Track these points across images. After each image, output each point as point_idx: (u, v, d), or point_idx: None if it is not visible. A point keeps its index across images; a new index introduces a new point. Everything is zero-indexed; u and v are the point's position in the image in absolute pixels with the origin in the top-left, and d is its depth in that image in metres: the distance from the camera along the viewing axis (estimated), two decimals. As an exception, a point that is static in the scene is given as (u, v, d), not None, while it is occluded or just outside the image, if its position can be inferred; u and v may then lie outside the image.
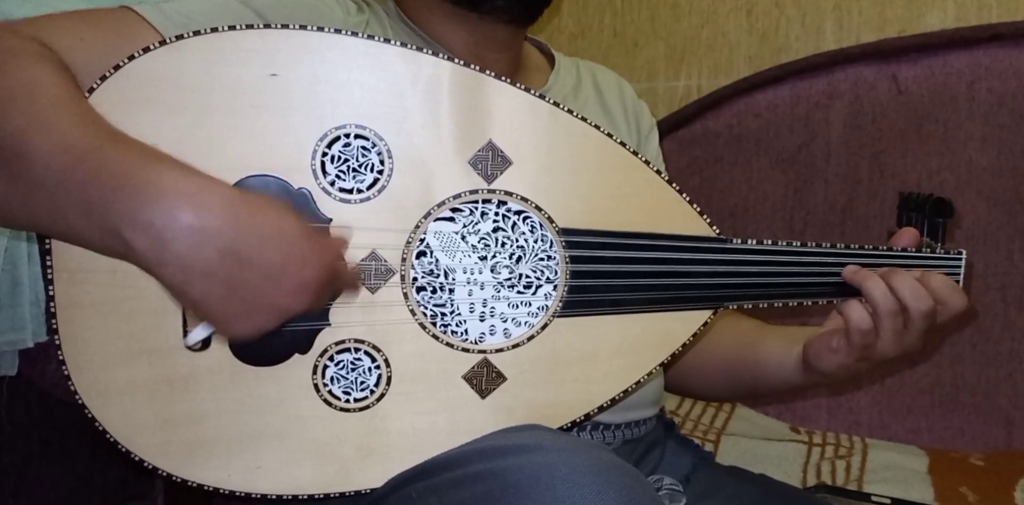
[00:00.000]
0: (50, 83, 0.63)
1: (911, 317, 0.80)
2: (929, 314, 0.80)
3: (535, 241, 0.77)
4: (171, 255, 0.59)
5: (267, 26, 0.70)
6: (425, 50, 0.73)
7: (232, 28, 0.69)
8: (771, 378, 0.93)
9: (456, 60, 0.74)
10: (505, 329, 0.77)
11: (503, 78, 0.75)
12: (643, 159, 0.79)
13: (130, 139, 0.62)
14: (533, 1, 0.88)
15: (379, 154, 0.72)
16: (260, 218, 0.61)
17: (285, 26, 0.70)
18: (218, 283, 0.60)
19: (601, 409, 0.79)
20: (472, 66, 0.74)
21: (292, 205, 0.68)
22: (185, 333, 0.69)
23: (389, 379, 0.74)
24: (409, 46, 0.73)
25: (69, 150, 0.59)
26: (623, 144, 0.78)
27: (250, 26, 0.69)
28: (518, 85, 0.75)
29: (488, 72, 0.75)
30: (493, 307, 0.77)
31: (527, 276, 0.77)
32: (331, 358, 0.73)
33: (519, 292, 0.77)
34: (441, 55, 0.73)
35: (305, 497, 0.73)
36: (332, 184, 0.71)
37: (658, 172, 0.79)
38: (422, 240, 0.74)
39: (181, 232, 0.58)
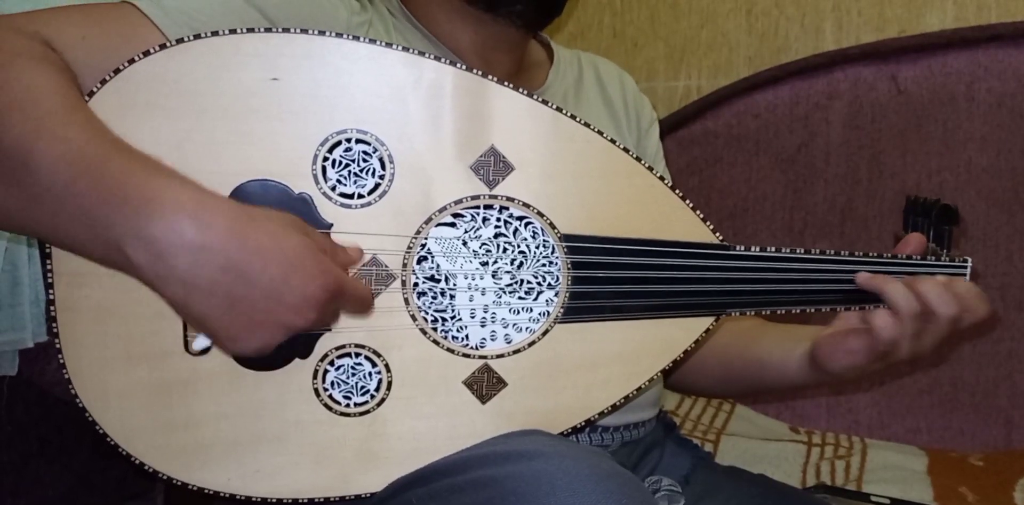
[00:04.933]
0: (53, 89, 0.62)
1: (937, 321, 0.80)
2: (955, 319, 0.80)
3: (537, 247, 0.77)
4: (172, 271, 0.58)
5: (268, 30, 0.69)
6: (428, 55, 0.73)
7: (233, 32, 0.68)
8: (772, 376, 0.93)
9: (459, 64, 0.73)
10: (506, 335, 0.77)
11: (506, 83, 0.75)
12: (646, 165, 0.78)
13: (133, 150, 0.62)
14: (549, 6, 0.88)
15: (380, 159, 0.72)
16: (264, 235, 0.60)
17: (286, 30, 0.70)
18: (220, 300, 0.60)
19: (601, 415, 0.79)
20: (475, 70, 0.74)
21: (295, 213, 0.68)
22: (186, 339, 0.69)
23: (389, 384, 0.74)
24: (411, 50, 0.72)
25: (73, 162, 0.59)
26: (626, 150, 0.78)
27: (251, 29, 0.69)
28: (521, 90, 0.75)
29: (490, 77, 0.74)
30: (494, 312, 0.76)
31: (528, 282, 0.77)
32: (332, 363, 0.72)
33: (520, 298, 0.77)
34: (443, 60, 0.73)
35: (304, 501, 0.73)
36: (333, 189, 0.71)
37: (661, 178, 0.79)
38: (423, 245, 0.74)
39: (183, 249, 0.58)
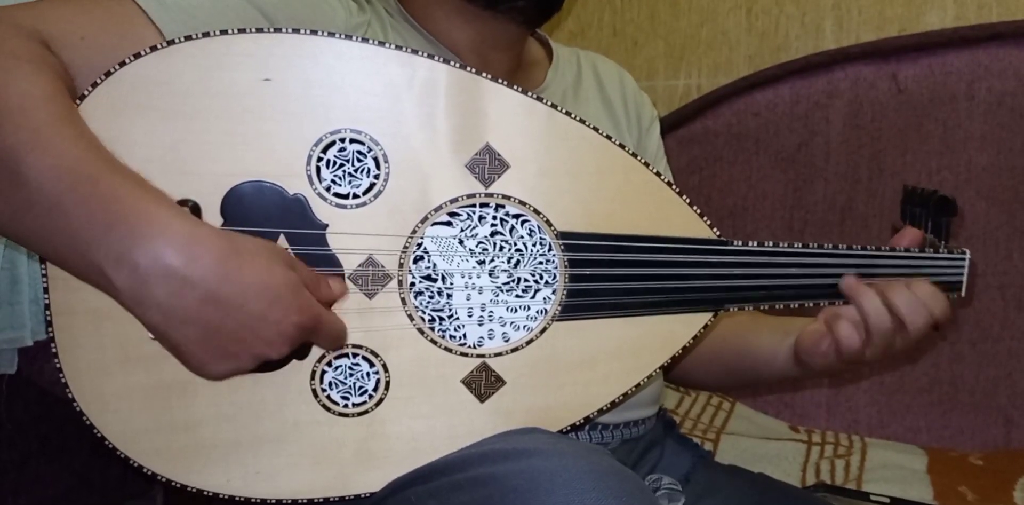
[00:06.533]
0: (47, 98, 0.62)
1: (908, 330, 0.80)
2: (926, 326, 0.81)
3: (533, 245, 0.77)
4: (151, 299, 0.59)
5: (259, 30, 0.69)
6: (421, 53, 0.72)
7: (224, 32, 0.68)
8: (764, 369, 0.94)
9: (453, 62, 0.73)
10: (504, 333, 0.77)
11: (500, 80, 0.74)
12: (643, 161, 0.78)
13: (124, 169, 0.62)
14: (549, 2, 0.88)
15: (375, 158, 0.72)
16: (247, 269, 0.61)
17: (278, 30, 0.69)
18: (196, 329, 0.60)
19: (601, 412, 0.79)
20: (469, 68, 0.74)
21: (290, 214, 0.68)
22: None
23: (387, 384, 0.74)
24: (404, 49, 0.72)
25: (63, 176, 0.59)
26: (622, 146, 0.78)
27: (242, 30, 0.69)
28: (515, 87, 0.75)
29: (485, 74, 0.74)
30: (491, 311, 0.76)
31: (526, 280, 0.77)
32: (329, 363, 0.72)
33: (518, 296, 0.77)
34: (437, 58, 0.73)
35: (304, 501, 0.73)
36: (328, 189, 0.71)
37: (658, 174, 0.79)
38: (419, 245, 0.74)
39: (165, 278, 0.58)
